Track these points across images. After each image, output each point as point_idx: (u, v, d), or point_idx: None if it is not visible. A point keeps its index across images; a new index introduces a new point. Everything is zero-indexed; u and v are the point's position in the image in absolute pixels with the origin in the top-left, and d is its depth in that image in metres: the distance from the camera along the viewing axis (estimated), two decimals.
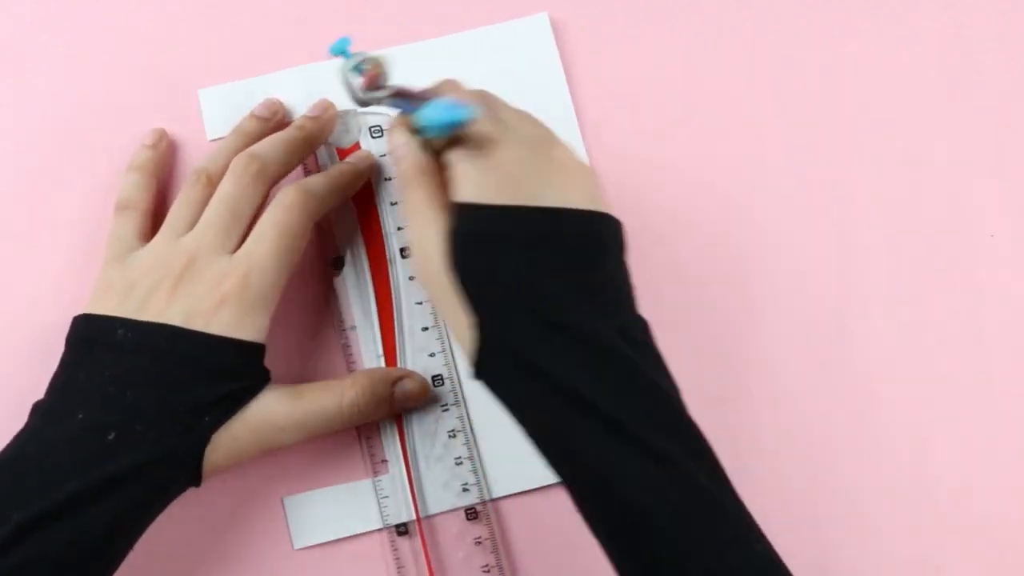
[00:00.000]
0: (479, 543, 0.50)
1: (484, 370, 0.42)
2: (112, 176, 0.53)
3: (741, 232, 0.54)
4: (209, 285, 0.46)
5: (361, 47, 0.52)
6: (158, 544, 0.48)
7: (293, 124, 0.52)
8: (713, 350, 0.53)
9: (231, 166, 0.49)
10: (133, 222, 0.50)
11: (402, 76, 0.53)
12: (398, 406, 0.50)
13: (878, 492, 0.51)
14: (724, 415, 0.52)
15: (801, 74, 0.57)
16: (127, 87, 0.55)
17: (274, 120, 0.53)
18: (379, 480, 0.50)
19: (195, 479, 0.46)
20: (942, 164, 0.56)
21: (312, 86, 0.54)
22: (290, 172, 0.51)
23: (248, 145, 0.50)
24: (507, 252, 0.42)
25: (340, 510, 0.50)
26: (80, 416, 0.44)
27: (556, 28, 0.56)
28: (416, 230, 0.44)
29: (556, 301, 0.41)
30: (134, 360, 0.45)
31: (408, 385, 0.50)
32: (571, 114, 0.55)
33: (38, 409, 0.46)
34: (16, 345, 0.52)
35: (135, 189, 0.51)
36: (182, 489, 0.46)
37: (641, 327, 0.43)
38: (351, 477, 0.51)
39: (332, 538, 0.50)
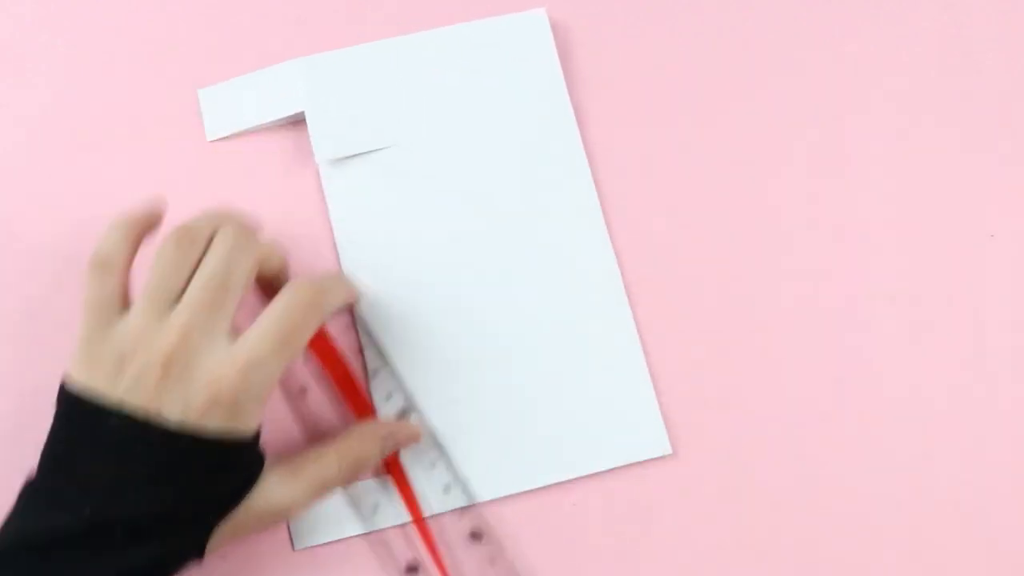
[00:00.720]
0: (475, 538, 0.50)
1: None
2: (111, 177, 0.53)
3: (740, 230, 0.54)
4: (205, 377, 0.44)
5: (358, 40, 0.52)
6: None
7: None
8: (711, 350, 0.53)
9: (218, 240, 0.46)
10: (113, 284, 0.46)
11: (396, 69, 0.54)
12: (389, 452, 0.50)
13: (878, 492, 0.51)
14: (724, 414, 0.52)
15: (800, 73, 0.57)
16: (126, 87, 0.55)
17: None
18: (377, 480, 0.50)
19: (198, 561, 0.46)
20: (942, 164, 0.56)
21: (311, 79, 0.54)
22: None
23: (234, 210, 0.49)
24: None
25: (340, 510, 0.50)
26: (87, 512, 0.43)
27: (555, 25, 0.56)
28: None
29: None
30: (133, 456, 0.44)
31: (400, 438, 0.50)
32: (568, 112, 0.54)
33: (34, 492, 0.44)
34: (16, 346, 0.51)
35: (117, 247, 0.47)
36: (183, 569, 0.45)
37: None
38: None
39: (333, 539, 0.50)
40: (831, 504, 0.51)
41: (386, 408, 0.51)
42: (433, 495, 0.50)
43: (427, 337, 0.51)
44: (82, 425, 0.45)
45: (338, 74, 0.54)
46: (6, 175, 0.54)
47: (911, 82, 0.57)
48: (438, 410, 0.51)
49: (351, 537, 0.50)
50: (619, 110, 0.55)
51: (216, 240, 0.46)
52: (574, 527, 0.51)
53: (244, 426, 0.45)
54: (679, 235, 0.54)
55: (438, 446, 0.51)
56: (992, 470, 0.52)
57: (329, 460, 0.48)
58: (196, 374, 0.44)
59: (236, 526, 0.46)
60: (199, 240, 0.46)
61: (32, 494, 0.44)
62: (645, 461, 0.51)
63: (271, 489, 0.47)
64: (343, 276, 0.50)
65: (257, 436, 0.46)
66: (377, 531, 0.50)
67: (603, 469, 0.50)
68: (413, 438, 0.51)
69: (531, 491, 0.51)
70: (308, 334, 0.46)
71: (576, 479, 0.51)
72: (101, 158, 0.54)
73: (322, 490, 0.48)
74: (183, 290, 0.46)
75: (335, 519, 0.50)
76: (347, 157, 0.53)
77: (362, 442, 0.49)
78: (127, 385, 0.44)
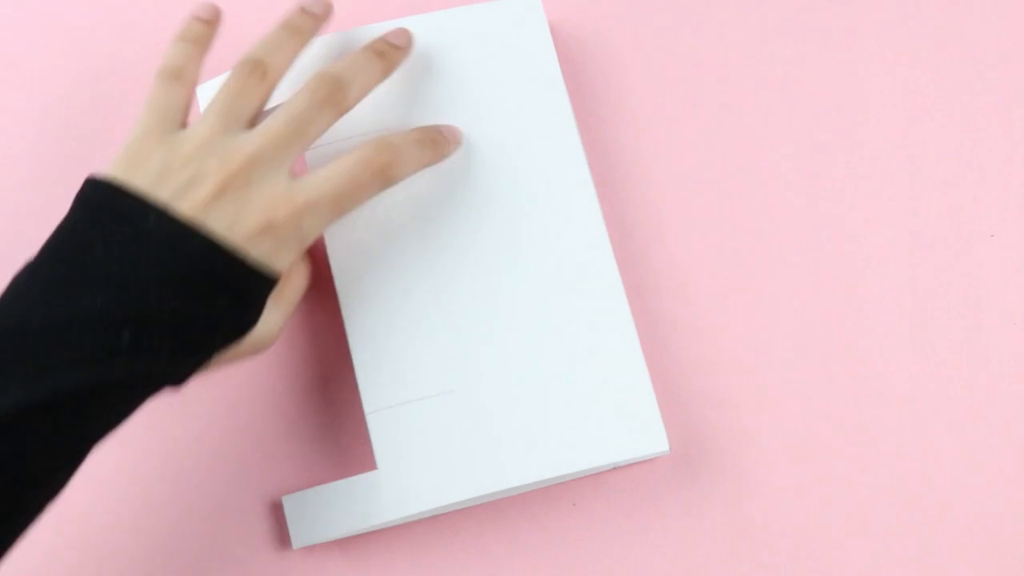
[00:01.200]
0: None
1: None
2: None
3: (739, 228, 0.54)
4: (261, 203, 0.43)
5: (353, 23, 0.52)
6: (157, 545, 0.48)
7: (371, 48, 0.48)
8: (709, 350, 0.53)
9: (311, 85, 0.46)
10: (182, 95, 0.45)
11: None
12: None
13: (878, 492, 0.51)
14: (723, 414, 0.52)
15: (800, 72, 0.57)
16: (125, 84, 0.55)
17: (324, 18, 0.49)
18: (375, 474, 0.50)
19: (175, 390, 0.43)
20: (942, 164, 0.56)
21: (305, 56, 0.52)
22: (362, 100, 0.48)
23: (301, 41, 0.47)
24: None
25: (339, 509, 0.50)
26: (99, 302, 0.40)
27: (548, 10, 0.55)
28: None
29: None
30: (163, 258, 0.41)
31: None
32: (563, 97, 0.53)
33: (40, 271, 0.41)
34: None
35: (187, 59, 0.46)
36: (157, 395, 0.43)
37: None
38: (348, 473, 0.51)
39: (332, 538, 0.50)
40: (831, 504, 0.51)
41: (379, 394, 0.50)
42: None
43: (420, 329, 0.50)
44: (112, 218, 0.42)
45: (332, 56, 0.53)
46: (5, 175, 0.54)
47: (911, 82, 0.57)
48: (433, 402, 0.50)
49: (350, 537, 0.50)
50: (612, 94, 0.55)
51: (306, 87, 0.46)
52: (575, 526, 0.51)
53: (279, 264, 0.44)
54: (676, 227, 0.54)
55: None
56: (992, 470, 0.51)
57: (298, 272, 0.47)
58: (252, 198, 0.43)
59: (228, 356, 0.44)
60: (271, 76, 0.46)
61: (35, 271, 0.41)
62: (644, 462, 0.51)
63: (268, 321, 0.45)
64: (426, 140, 0.48)
65: (280, 279, 0.45)
66: (378, 529, 0.50)
67: (599, 463, 0.49)
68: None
69: (531, 492, 0.51)
70: (369, 195, 0.46)
71: (576, 480, 0.51)
72: (99, 156, 0.54)
73: (298, 298, 0.47)
74: (251, 117, 0.45)
75: (335, 518, 0.50)
76: (336, 141, 0.52)
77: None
78: (175, 189, 0.42)
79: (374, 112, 0.52)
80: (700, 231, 0.54)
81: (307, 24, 0.48)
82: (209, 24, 0.48)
